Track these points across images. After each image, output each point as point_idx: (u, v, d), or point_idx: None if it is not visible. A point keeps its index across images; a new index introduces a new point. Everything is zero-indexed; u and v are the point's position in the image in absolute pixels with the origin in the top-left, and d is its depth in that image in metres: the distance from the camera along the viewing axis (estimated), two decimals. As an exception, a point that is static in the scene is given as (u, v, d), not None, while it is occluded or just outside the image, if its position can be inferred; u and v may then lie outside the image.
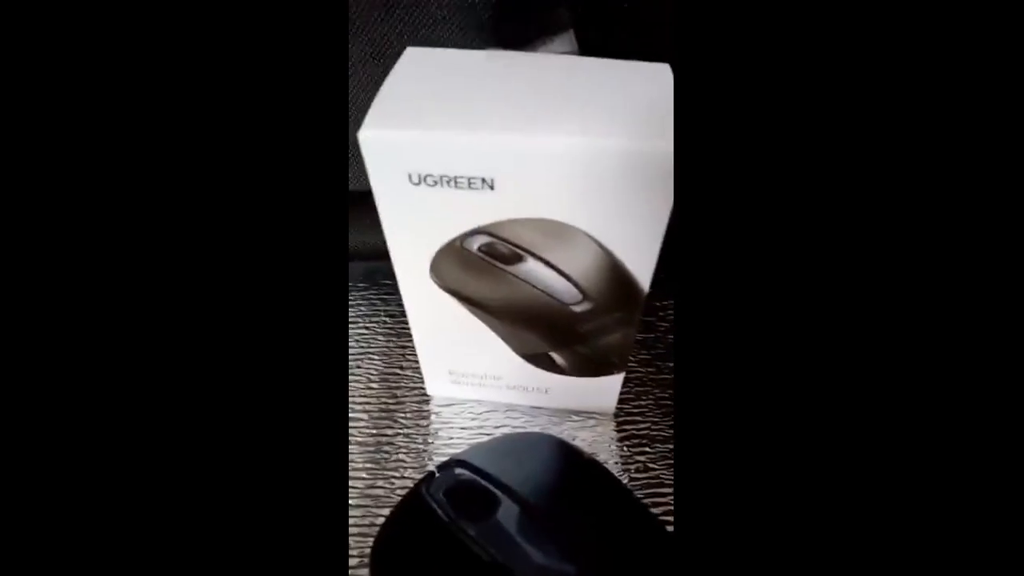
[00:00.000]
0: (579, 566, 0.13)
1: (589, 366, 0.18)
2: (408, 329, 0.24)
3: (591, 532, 0.14)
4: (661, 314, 0.24)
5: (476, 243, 0.15)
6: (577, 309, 0.16)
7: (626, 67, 0.15)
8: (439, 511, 0.15)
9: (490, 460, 0.17)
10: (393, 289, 0.26)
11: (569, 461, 0.16)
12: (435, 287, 0.17)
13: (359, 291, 0.25)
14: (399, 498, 0.17)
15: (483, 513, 0.15)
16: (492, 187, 0.13)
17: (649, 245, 0.14)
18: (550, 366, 0.19)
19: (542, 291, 0.16)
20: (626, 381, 0.22)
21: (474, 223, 0.14)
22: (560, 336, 0.17)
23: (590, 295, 0.16)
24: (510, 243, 0.15)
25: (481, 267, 0.15)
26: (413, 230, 0.15)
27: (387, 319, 0.24)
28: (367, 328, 0.24)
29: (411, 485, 0.17)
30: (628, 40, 0.20)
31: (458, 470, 0.16)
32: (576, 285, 0.16)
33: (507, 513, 0.14)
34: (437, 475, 0.16)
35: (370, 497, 0.19)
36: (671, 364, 0.22)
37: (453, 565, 0.14)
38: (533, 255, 0.15)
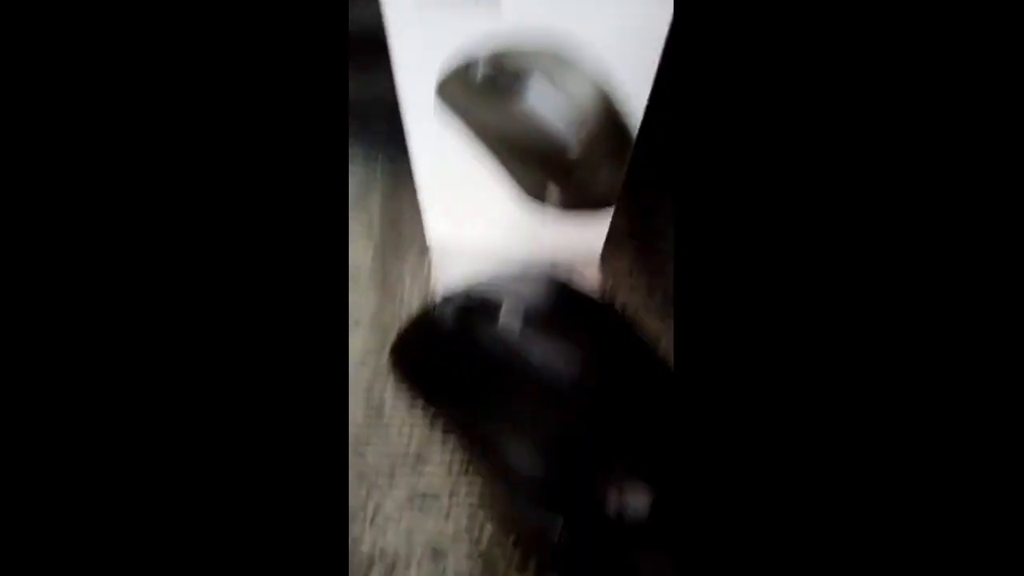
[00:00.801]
0: (586, 364, 0.15)
1: (583, 199, 0.20)
2: (405, 172, 0.25)
3: (591, 337, 0.16)
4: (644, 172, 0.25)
5: (481, 67, 0.15)
6: (573, 137, 0.17)
7: None
8: (447, 319, 0.17)
9: (493, 285, 0.19)
10: (387, 136, 0.26)
11: (565, 287, 0.18)
12: (440, 127, 0.17)
13: (353, 135, 0.26)
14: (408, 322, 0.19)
15: (487, 325, 0.16)
16: (498, 3, 0.14)
17: (646, 63, 0.15)
18: (545, 200, 0.20)
19: (542, 118, 0.17)
20: (611, 230, 0.23)
21: (479, 46, 0.15)
22: (556, 167, 0.18)
23: (585, 123, 0.17)
24: (511, 66, 0.15)
25: (484, 94, 0.16)
26: (422, 59, 0.15)
27: (385, 163, 0.25)
28: (367, 173, 0.24)
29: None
30: None
31: (463, 295, 0.18)
32: (573, 112, 0.16)
33: (512, 320, 0.16)
34: (444, 299, 0.18)
35: (378, 323, 0.20)
36: (652, 217, 0.24)
37: (463, 363, 0.16)
38: (534, 83, 0.16)
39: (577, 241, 0.22)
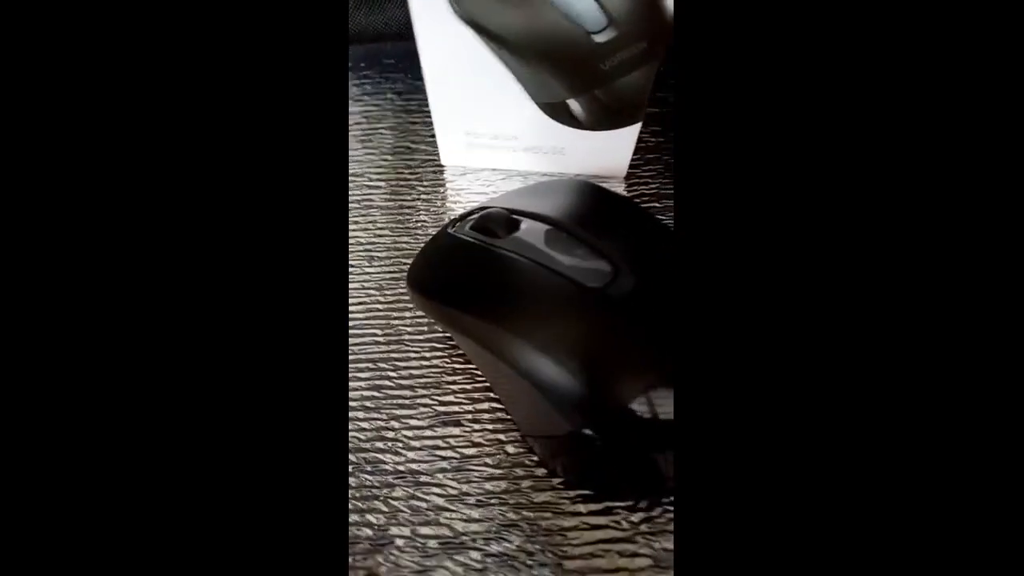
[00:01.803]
0: (615, 266, 0.14)
1: (607, 115, 0.19)
2: (416, 103, 0.24)
3: (624, 241, 0.15)
4: (673, 83, 0.24)
5: (500, -51, 0.14)
6: (600, 39, 0.16)
7: None
8: (465, 236, 0.16)
9: (511, 198, 0.18)
10: (396, 68, 0.25)
11: (594, 192, 0.17)
12: (451, 32, 0.16)
13: (361, 71, 0.24)
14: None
15: (507, 232, 0.16)
16: None
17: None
18: (568, 118, 0.19)
19: (563, 14, 0.15)
20: (636, 149, 0.22)
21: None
22: (582, 75, 0.17)
23: (616, 19, 0.15)
24: (536, -54, 0.14)
25: (503, -16, 0.15)
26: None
27: (394, 96, 0.23)
28: (375, 106, 0.23)
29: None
30: None
31: (481, 209, 0.17)
32: (601, 5, 0.15)
33: (532, 230, 0.16)
34: (461, 216, 0.17)
35: (395, 249, 0.20)
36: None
37: (494, 270, 0.15)
38: (559, -36, 0.14)
39: (600, 158, 0.20)
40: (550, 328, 0.13)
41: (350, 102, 0.24)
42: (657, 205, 0.21)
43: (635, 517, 0.14)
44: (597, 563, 0.14)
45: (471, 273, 0.15)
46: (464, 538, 0.14)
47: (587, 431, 0.13)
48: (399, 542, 0.14)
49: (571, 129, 0.19)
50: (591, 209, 0.16)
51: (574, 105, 0.18)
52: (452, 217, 0.19)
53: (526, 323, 0.13)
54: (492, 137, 0.20)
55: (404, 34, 0.23)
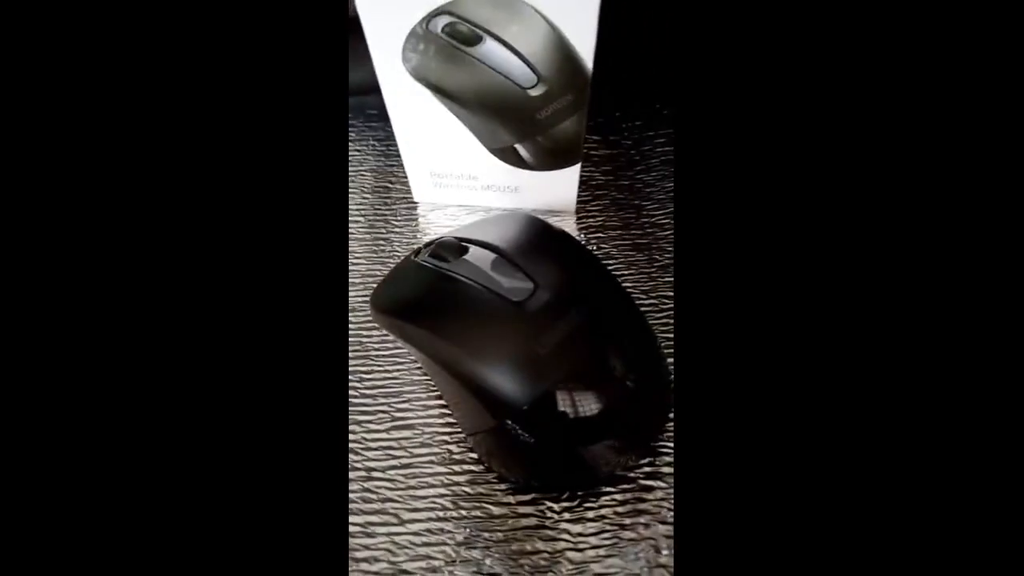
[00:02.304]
0: (537, 284, 0.16)
1: (550, 157, 0.21)
2: (394, 149, 0.27)
3: (549, 263, 0.17)
4: (625, 128, 0.27)
5: (439, 24, 0.17)
6: (533, 92, 0.19)
7: None
8: (421, 261, 0.19)
9: (467, 229, 0.20)
10: (378, 119, 0.28)
11: (535, 224, 0.19)
12: (415, 88, 0.19)
13: (349, 121, 0.28)
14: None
15: (456, 257, 0.18)
16: (448, -39, 0.15)
17: (587, 18, 0.16)
18: (516, 160, 0.21)
19: (501, 73, 0.18)
20: (587, 185, 0.25)
21: (433, 3, 0.16)
22: (521, 124, 0.20)
23: (543, 76, 0.18)
24: (469, 22, 0.17)
25: (446, 51, 0.18)
26: (388, 21, 0.17)
27: (375, 143, 0.27)
28: (358, 151, 0.26)
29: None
30: None
31: (439, 239, 0.20)
32: (530, 65, 0.18)
33: (478, 256, 0.18)
34: (423, 245, 0.20)
35: (368, 276, 0.22)
36: (628, 173, 0.25)
37: (440, 289, 0.17)
38: (490, 34, 0.17)
39: (550, 195, 0.23)
40: (478, 335, 0.15)
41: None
42: (602, 235, 0.23)
43: (558, 507, 0.16)
44: (519, 546, 0.15)
45: (421, 292, 0.18)
46: (407, 525, 0.16)
47: (508, 423, 0.15)
48: (352, 528, 0.16)
49: (521, 169, 0.22)
50: (526, 237, 0.18)
51: (520, 149, 0.21)
52: (418, 247, 0.22)
53: (459, 331, 0.16)
54: (456, 177, 0.23)
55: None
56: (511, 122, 0.20)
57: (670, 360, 0.19)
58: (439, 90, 0.19)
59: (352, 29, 0.18)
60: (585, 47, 0.17)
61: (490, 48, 0.18)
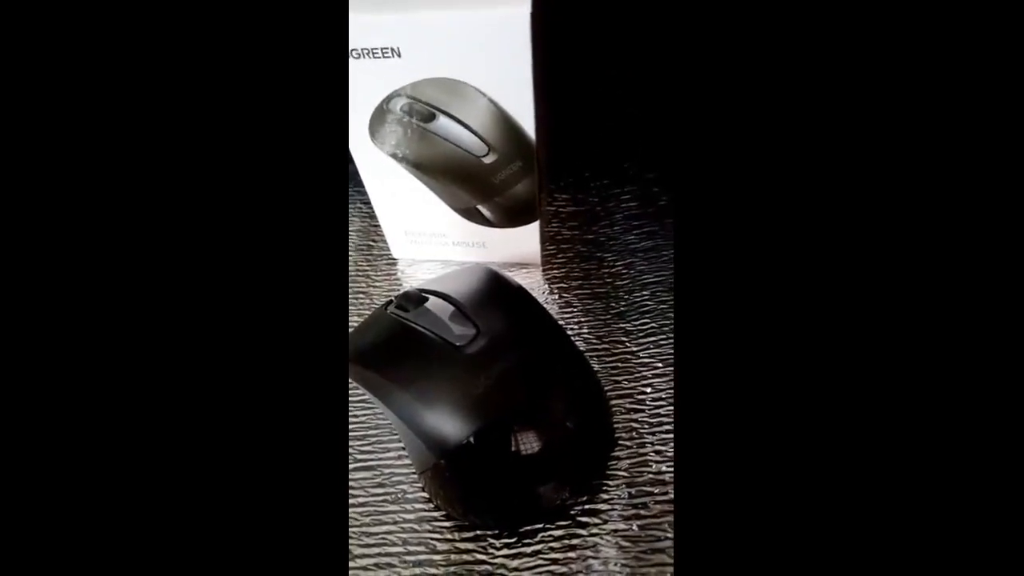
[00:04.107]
0: (478, 329, 0.18)
1: (509, 216, 0.23)
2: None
3: (497, 312, 0.19)
4: (593, 187, 0.29)
5: (398, 104, 0.20)
6: (486, 160, 0.21)
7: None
8: (388, 311, 0.20)
9: (431, 282, 0.22)
10: (362, 183, 0.31)
11: (490, 277, 0.21)
12: (383, 159, 0.22)
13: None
14: (363, 316, 0.22)
15: (416, 306, 0.20)
16: (399, 55, 0.18)
17: (523, 98, 0.19)
18: (480, 219, 0.24)
19: (455, 145, 0.20)
20: (553, 239, 0.26)
21: (392, 87, 0.19)
22: (479, 188, 0.22)
23: (493, 146, 0.20)
24: (422, 102, 0.19)
25: (404, 127, 0.20)
26: (353, 100, 0.20)
27: (361, 204, 0.29)
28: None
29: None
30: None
31: (405, 293, 0.21)
32: (480, 137, 0.20)
33: (436, 305, 0.20)
34: (394, 297, 0.22)
35: (352, 326, 0.24)
36: (593, 227, 0.27)
37: (396, 336, 0.19)
38: (443, 112, 0.20)
39: (515, 249, 0.25)
40: (421, 377, 0.17)
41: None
42: (564, 285, 0.24)
43: (499, 543, 0.17)
44: (458, 581, 0.16)
45: (379, 339, 0.19)
46: (356, 560, 0.17)
47: (442, 461, 0.16)
48: (307, 564, 0.17)
49: (485, 227, 0.24)
50: (480, 288, 0.20)
51: (482, 209, 0.23)
52: (389, 299, 0.24)
53: (405, 374, 0.17)
54: (428, 235, 0.25)
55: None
56: (470, 186, 0.22)
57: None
58: (404, 161, 0.22)
59: None
60: (526, 121, 0.19)
61: (444, 123, 0.20)
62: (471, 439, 0.16)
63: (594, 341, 0.22)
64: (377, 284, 0.26)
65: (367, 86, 0.19)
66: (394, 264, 0.27)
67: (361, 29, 0.18)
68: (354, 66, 0.19)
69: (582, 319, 0.23)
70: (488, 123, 0.20)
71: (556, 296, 0.24)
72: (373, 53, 0.18)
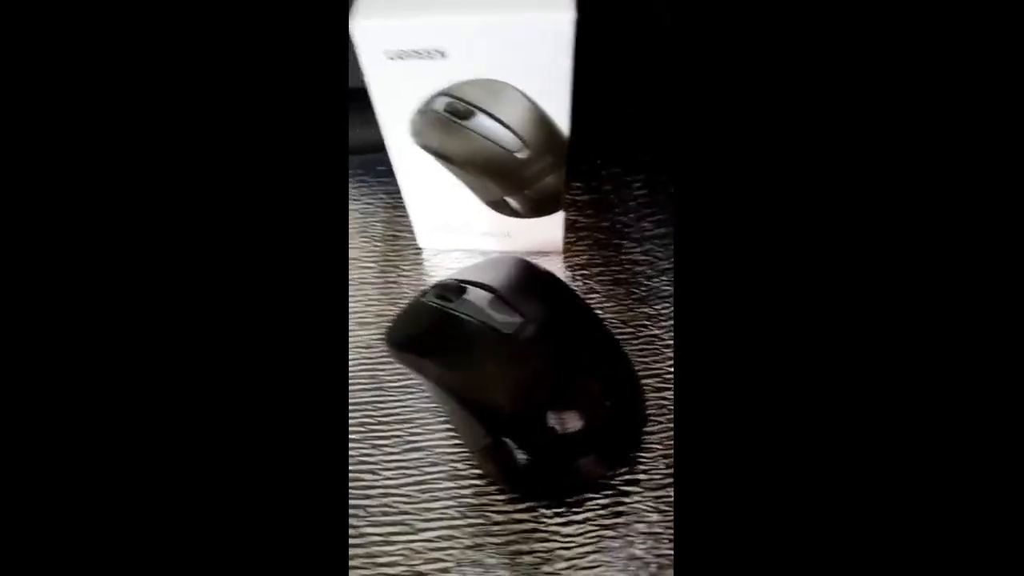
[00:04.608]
0: (525, 318, 0.19)
1: (536, 207, 0.24)
2: (402, 203, 0.30)
3: (536, 300, 0.20)
4: (604, 174, 0.30)
5: (439, 104, 0.20)
6: (520, 156, 0.22)
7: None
8: (428, 301, 0.21)
9: (466, 271, 0.23)
10: (387, 174, 0.31)
11: (523, 265, 0.22)
12: (417, 151, 0.22)
13: (359, 177, 0.31)
14: (401, 306, 0.23)
15: (457, 297, 0.21)
16: (444, 56, 0.19)
17: (560, 96, 0.20)
18: (508, 210, 0.25)
19: (492, 141, 0.21)
20: (572, 227, 0.28)
21: (436, 87, 0.20)
22: (510, 181, 0.23)
23: (527, 142, 0.21)
24: (464, 101, 0.20)
25: (445, 125, 0.21)
26: (394, 99, 0.20)
27: (384, 196, 0.30)
28: (369, 204, 0.30)
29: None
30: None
31: (443, 282, 0.23)
32: (516, 134, 0.21)
33: (476, 295, 0.21)
34: (429, 287, 0.23)
35: (381, 316, 0.25)
36: (608, 215, 0.28)
37: (444, 325, 0.20)
38: (482, 111, 0.20)
39: (538, 238, 0.26)
40: (477, 363, 0.18)
41: (350, 201, 0.30)
42: (586, 272, 0.26)
43: (550, 512, 0.18)
44: (517, 548, 0.18)
45: (429, 328, 0.21)
46: (420, 533, 0.18)
47: (503, 439, 0.17)
48: (374, 538, 0.19)
49: (511, 217, 0.25)
50: (518, 278, 0.21)
51: (510, 201, 0.24)
52: (425, 288, 0.25)
53: (461, 360, 0.18)
54: (455, 225, 0.26)
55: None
56: (501, 180, 0.23)
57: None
58: (441, 156, 0.22)
59: (363, 98, 0.21)
60: (561, 118, 0.20)
61: (481, 121, 0.21)
62: (526, 419, 0.17)
63: (619, 325, 0.24)
64: (406, 273, 0.27)
65: (411, 86, 0.20)
66: (419, 253, 0.28)
67: (409, 32, 0.18)
68: (399, 67, 0.19)
69: (606, 304, 0.25)
70: (524, 120, 0.21)
71: (580, 283, 0.26)
72: (419, 54, 0.19)
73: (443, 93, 0.20)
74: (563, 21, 0.18)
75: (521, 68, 0.19)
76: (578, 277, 0.26)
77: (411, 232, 0.28)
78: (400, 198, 0.30)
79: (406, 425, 0.21)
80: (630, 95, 0.34)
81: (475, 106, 0.20)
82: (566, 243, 0.27)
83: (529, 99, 0.20)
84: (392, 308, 0.25)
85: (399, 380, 0.23)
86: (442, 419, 0.21)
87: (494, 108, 0.20)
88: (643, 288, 0.25)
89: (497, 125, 0.21)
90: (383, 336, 0.24)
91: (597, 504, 0.19)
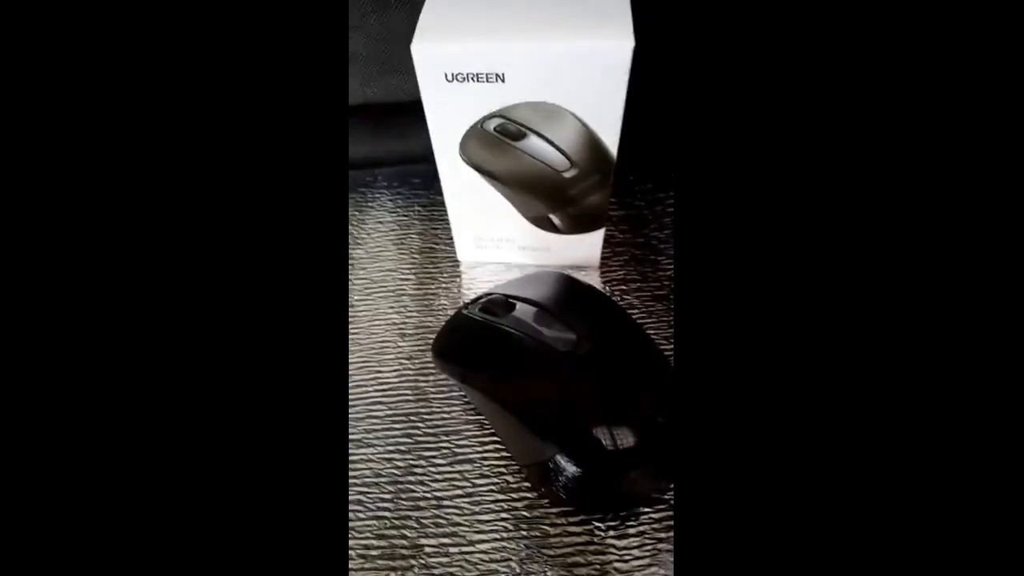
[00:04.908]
0: (578, 335, 0.20)
1: (578, 224, 0.25)
2: (437, 213, 0.30)
3: (585, 316, 0.21)
4: (638, 191, 0.30)
5: (492, 124, 0.21)
6: (567, 175, 0.22)
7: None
8: (473, 315, 0.22)
9: (510, 286, 0.24)
10: (422, 185, 0.32)
11: (568, 281, 0.23)
12: (464, 166, 0.23)
13: (394, 189, 0.32)
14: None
15: (505, 312, 0.21)
16: (503, 80, 0.19)
17: (613, 119, 0.20)
18: (550, 227, 0.25)
19: (540, 161, 0.22)
20: (608, 242, 0.28)
21: (490, 108, 0.20)
22: (556, 199, 0.24)
23: (575, 162, 0.22)
24: (516, 123, 0.21)
25: (496, 144, 0.21)
26: (448, 119, 0.21)
27: (420, 208, 0.30)
28: (405, 216, 0.30)
29: (454, 308, 0.24)
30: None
31: (487, 296, 0.23)
32: (565, 155, 0.22)
33: (524, 310, 0.21)
34: (472, 301, 0.23)
35: (422, 327, 0.26)
36: (643, 231, 0.29)
37: (496, 341, 0.21)
38: (533, 132, 0.21)
39: (577, 253, 0.26)
40: (534, 380, 0.19)
41: (386, 213, 0.31)
42: (624, 287, 0.26)
43: (604, 526, 0.19)
44: (573, 560, 0.18)
45: (480, 343, 0.21)
46: (476, 545, 0.19)
47: (560, 456, 0.18)
48: (428, 549, 0.19)
49: (552, 233, 0.25)
50: (565, 294, 0.22)
51: (553, 218, 0.25)
52: (465, 301, 0.25)
53: (517, 376, 0.19)
54: (496, 240, 0.26)
55: (427, 158, 0.30)
56: (548, 198, 0.23)
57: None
58: (490, 174, 0.23)
59: (414, 110, 0.22)
60: (611, 140, 0.21)
61: (532, 142, 0.21)
62: (582, 435, 0.17)
63: (661, 341, 0.24)
64: (445, 285, 0.27)
65: (466, 106, 0.20)
66: (457, 265, 0.28)
67: (470, 56, 0.19)
68: (456, 88, 0.20)
69: (647, 320, 0.25)
70: (575, 141, 0.21)
71: (618, 298, 0.26)
72: (478, 78, 0.19)
73: (496, 115, 0.21)
74: (624, 49, 0.18)
75: (577, 91, 0.20)
76: (616, 292, 0.26)
77: (448, 244, 0.29)
78: (435, 210, 0.30)
79: (453, 437, 0.22)
80: (660, 112, 0.34)
81: (527, 127, 0.21)
82: (602, 258, 0.27)
83: (580, 120, 0.20)
84: (432, 320, 0.26)
85: (443, 392, 0.23)
86: (489, 432, 0.22)
87: (544, 129, 0.21)
88: (680, 304, 0.26)
89: (546, 145, 0.21)
90: (424, 347, 0.25)
91: (650, 517, 0.19)
